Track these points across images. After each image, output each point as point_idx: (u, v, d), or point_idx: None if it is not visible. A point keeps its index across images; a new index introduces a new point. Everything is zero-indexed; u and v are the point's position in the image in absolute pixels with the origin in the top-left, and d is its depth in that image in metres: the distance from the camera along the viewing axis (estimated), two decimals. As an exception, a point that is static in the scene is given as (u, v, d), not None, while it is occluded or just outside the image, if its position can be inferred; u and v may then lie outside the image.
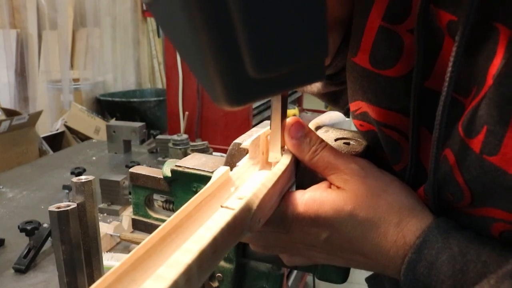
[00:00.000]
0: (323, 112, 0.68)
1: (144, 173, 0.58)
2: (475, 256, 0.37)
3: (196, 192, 0.48)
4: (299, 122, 0.46)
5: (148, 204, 0.59)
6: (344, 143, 0.53)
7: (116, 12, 3.93)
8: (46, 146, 2.72)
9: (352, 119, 0.55)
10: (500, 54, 0.35)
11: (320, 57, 0.30)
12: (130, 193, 0.82)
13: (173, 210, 0.58)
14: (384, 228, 0.42)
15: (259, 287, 0.58)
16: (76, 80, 3.59)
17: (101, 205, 1.31)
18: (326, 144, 0.46)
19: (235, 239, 0.36)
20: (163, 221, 0.34)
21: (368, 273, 0.59)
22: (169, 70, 2.45)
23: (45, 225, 1.07)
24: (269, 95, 0.32)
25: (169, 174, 0.55)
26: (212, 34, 0.26)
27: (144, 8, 4.17)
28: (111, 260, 1.02)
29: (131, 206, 0.60)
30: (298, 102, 3.20)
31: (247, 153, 0.49)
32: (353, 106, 0.52)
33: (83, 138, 3.04)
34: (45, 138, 2.79)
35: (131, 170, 0.59)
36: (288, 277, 1.86)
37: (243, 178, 0.45)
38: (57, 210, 0.58)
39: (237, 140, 0.51)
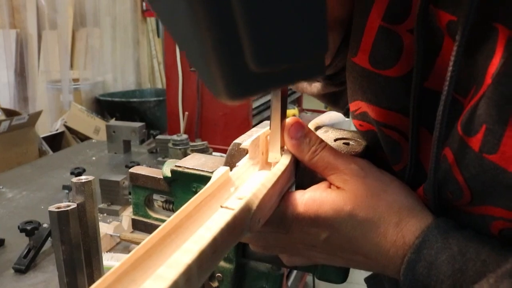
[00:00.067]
0: (322, 112, 0.69)
1: (144, 173, 0.58)
2: (474, 255, 0.38)
3: (196, 192, 0.48)
4: (298, 122, 0.46)
5: (148, 204, 0.59)
6: (343, 143, 0.53)
7: (116, 12, 3.93)
8: (45, 146, 2.72)
9: (351, 119, 0.55)
10: (499, 53, 0.35)
11: (320, 52, 0.30)
12: (130, 193, 0.82)
13: (173, 210, 0.58)
14: (383, 228, 0.42)
15: (258, 287, 0.58)
16: (75, 80, 3.59)
17: (101, 205, 1.31)
18: (326, 144, 0.46)
19: (235, 239, 0.36)
20: (163, 221, 0.34)
21: (367, 273, 0.60)
22: (168, 70, 2.45)
23: (45, 225, 1.07)
24: (269, 89, 0.32)
25: (169, 174, 0.55)
26: (214, 28, 0.26)
27: (144, 8, 4.17)
28: (111, 260, 1.02)
29: (131, 206, 0.60)
30: (298, 102, 3.20)
31: (246, 153, 0.49)
32: (352, 106, 0.52)
33: (82, 138, 3.04)
34: (44, 138, 2.79)
35: (131, 170, 0.59)
36: (288, 277, 1.86)
37: (242, 178, 0.45)
38: (57, 210, 0.58)
39: (236, 140, 0.52)
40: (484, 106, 0.35)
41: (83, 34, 3.70)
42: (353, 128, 0.56)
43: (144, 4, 4.16)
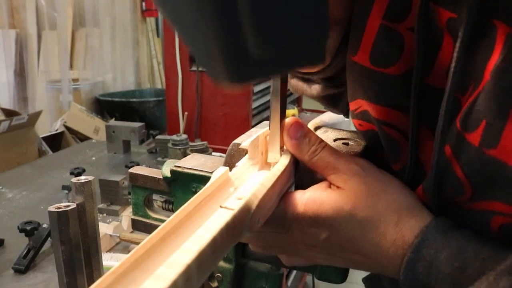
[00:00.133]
0: (322, 112, 0.68)
1: (143, 174, 0.58)
2: (473, 254, 0.38)
3: (195, 192, 0.48)
4: (298, 122, 0.46)
5: (148, 204, 0.60)
6: (343, 143, 0.53)
7: (115, 12, 3.93)
8: (45, 146, 2.72)
9: (351, 119, 0.55)
10: (498, 50, 0.35)
11: (321, 38, 0.30)
12: (129, 193, 0.82)
13: (173, 211, 0.58)
14: (383, 227, 0.42)
15: (258, 287, 0.58)
16: (75, 80, 3.59)
17: (101, 205, 1.31)
18: (326, 144, 0.46)
19: (235, 239, 0.36)
20: (163, 221, 0.34)
21: (367, 273, 0.60)
22: (168, 70, 2.45)
23: (45, 225, 1.07)
24: (269, 74, 0.32)
25: (169, 175, 0.55)
26: (216, 10, 0.26)
27: (144, 8, 4.17)
28: (110, 260, 1.03)
29: (131, 206, 0.60)
30: (298, 102, 3.20)
31: (246, 153, 0.49)
32: (352, 105, 0.52)
33: (82, 138, 3.04)
34: (44, 138, 2.79)
35: (130, 170, 0.59)
36: (287, 277, 1.86)
37: (242, 178, 0.45)
38: (56, 210, 0.58)
39: (236, 141, 0.52)
40: (483, 102, 0.36)
41: (83, 34, 3.69)
42: (353, 128, 0.56)
43: (143, 4, 4.16)
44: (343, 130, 0.58)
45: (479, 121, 0.36)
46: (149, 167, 0.76)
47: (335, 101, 0.61)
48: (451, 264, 0.38)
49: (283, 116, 0.45)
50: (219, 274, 0.56)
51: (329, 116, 0.67)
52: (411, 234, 0.41)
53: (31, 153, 2.50)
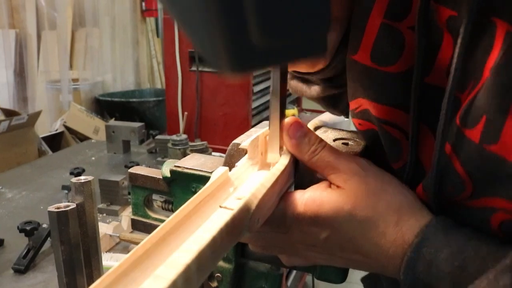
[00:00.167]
0: (322, 112, 0.68)
1: (143, 173, 0.58)
2: (473, 253, 0.38)
3: (195, 192, 0.48)
4: (298, 122, 0.46)
5: (147, 204, 0.60)
6: (342, 143, 0.53)
7: (115, 12, 3.93)
8: (45, 146, 2.72)
9: (351, 118, 0.55)
10: (498, 48, 0.35)
11: (323, 30, 0.30)
12: (129, 193, 0.82)
13: (172, 211, 0.58)
14: (383, 227, 0.42)
15: (258, 287, 0.58)
16: (75, 80, 3.59)
17: (100, 205, 1.31)
18: (326, 144, 0.46)
19: (234, 239, 0.36)
20: (162, 221, 0.34)
21: (366, 273, 0.60)
22: (168, 70, 2.45)
23: (45, 225, 1.07)
24: (271, 64, 0.32)
25: (168, 175, 0.55)
26: None
27: (143, 8, 4.17)
28: (110, 260, 1.03)
29: (130, 206, 0.60)
30: (297, 102, 3.20)
31: (246, 153, 0.49)
32: (353, 104, 0.52)
33: (82, 138, 3.04)
34: (44, 138, 2.79)
35: (130, 170, 0.59)
36: (287, 277, 1.86)
37: (242, 178, 0.45)
38: (56, 210, 0.58)
39: (236, 141, 0.52)
40: (483, 98, 0.36)
41: (83, 34, 3.69)
42: (353, 128, 0.56)
43: (143, 4, 4.16)
44: (343, 130, 0.58)
45: (479, 117, 0.36)
46: (149, 167, 0.76)
47: (335, 102, 0.61)
48: (451, 263, 0.38)
49: (282, 115, 0.45)
50: (218, 274, 0.56)
51: (329, 116, 0.67)
52: (411, 234, 0.41)
53: (30, 153, 2.50)
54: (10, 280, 0.98)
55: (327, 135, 0.56)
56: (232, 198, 0.38)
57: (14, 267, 1.01)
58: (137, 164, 1.60)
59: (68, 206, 0.58)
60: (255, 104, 2.33)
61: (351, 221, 0.43)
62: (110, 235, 1.14)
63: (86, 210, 0.61)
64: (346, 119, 0.66)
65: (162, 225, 0.33)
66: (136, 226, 0.60)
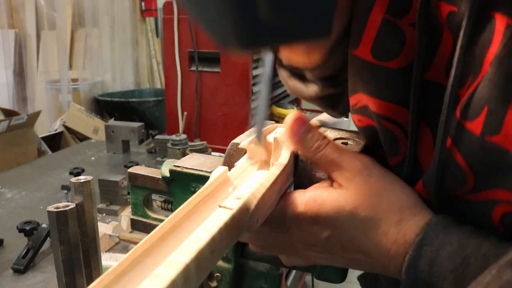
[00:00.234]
0: (321, 112, 0.68)
1: (142, 173, 0.58)
2: (475, 250, 0.38)
3: (194, 192, 0.48)
4: (301, 117, 0.46)
5: (147, 204, 0.60)
6: (342, 143, 0.53)
7: (114, 12, 3.92)
8: (45, 147, 2.71)
9: (351, 114, 0.55)
10: (497, 41, 0.35)
11: (329, 9, 0.31)
12: (128, 193, 0.82)
13: (172, 210, 0.58)
14: (385, 227, 0.42)
15: (257, 287, 0.58)
16: (74, 80, 3.59)
17: (100, 205, 1.31)
18: (329, 141, 0.46)
19: (233, 239, 0.36)
20: (162, 221, 0.34)
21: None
22: (167, 70, 2.45)
23: (44, 225, 1.07)
24: (277, 42, 0.32)
25: (168, 174, 0.55)
26: None
27: (143, 8, 4.17)
28: (109, 260, 1.02)
29: (130, 206, 0.60)
30: (297, 102, 3.20)
31: (245, 153, 0.49)
32: (353, 100, 0.52)
33: (81, 138, 3.03)
34: (43, 138, 2.79)
35: (129, 170, 0.59)
36: (286, 277, 1.86)
37: (241, 178, 0.45)
38: (55, 210, 0.57)
39: (235, 140, 0.52)
40: (485, 89, 0.36)
41: (82, 34, 3.69)
42: (353, 128, 0.56)
43: (143, 4, 4.16)
44: (342, 129, 0.58)
45: (481, 109, 0.36)
46: (149, 167, 0.76)
47: (334, 102, 0.61)
48: (453, 261, 0.38)
49: (269, 103, 0.45)
50: (218, 274, 0.56)
51: (329, 116, 0.67)
52: (412, 233, 0.41)
53: (30, 153, 2.50)
54: (9, 280, 0.98)
55: (327, 135, 0.56)
56: (231, 197, 0.38)
57: (13, 267, 1.01)
58: (137, 164, 1.60)
59: (67, 206, 0.58)
60: (254, 104, 2.33)
61: (353, 220, 0.42)
62: (110, 235, 1.14)
63: (86, 210, 0.61)
64: (345, 119, 0.66)
65: (161, 224, 0.33)
66: (136, 226, 0.60)
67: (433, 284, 0.39)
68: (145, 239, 0.31)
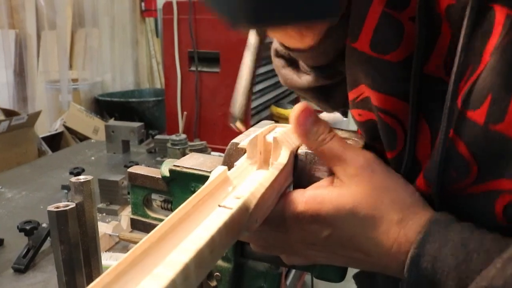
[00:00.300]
0: (321, 112, 0.68)
1: (142, 173, 0.58)
2: (477, 246, 0.38)
3: (194, 191, 0.48)
4: (308, 108, 0.45)
5: (147, 204, 0.60)
6: (341, 142, 0.53)
7: (114, 12, 3.92)
8: (45, 146, 2.72)
9: (350, 111, 0.55)
10: (497, 32, 0.36)
11: None
12: (128, 193, 0.82)
13: (172, 210, 0.58)
14: (385, 226, 0.42)
15: (257, 287, 0.58)
16: (74, 80, 3.59)
17: (100, 205, 1.31)
18: (335, 135, 0.45)
19: (233, 239, 0.36)
20: (162, 220, 0.34)
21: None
22: (167, 70, 2.45)
23: (44, 225, 1.07)
24: (285, 20, 0.32)
25: (167, 174, 0.55)
26: None
27: (143, 8, 4.17)
28: (109, 260, 1.03)
29: (130, 206, 0.61)
30: (296, 102, 3.20)
31: (245, 152, 0.49)
32: (355, 93, 0.51)
33: (81, 138, 3.03)
34: (44, 138, 2.79)
35: (129, 170, 0.59)
36: (286, 276, 1.86)
37: (240, 177, 0.45)
38: (55, 210, 0.58)
39: (235, 140, 0.52)
40: (488, 78, 0.36)
41: (82, 35, 3.69)
42: (352, 128, 0.56)
43: (143, 4, 4.16)
44: (342, 129, 0.58)
45: (484, 98, 0.36)
46: (148, 166, 0.76)
47: (326, 94, 0.60)
48: (455, 258, 0.38)
49: (253, 79, 0.44)
50: (218, 273, 0.57)
51: (328, 116, 0.67)
52: (414, 231, 0.41)
53: (30, 153, 2.50)
54: (10, 280, 0.98)
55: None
56: (231, 197, 0.38)
57: (14, 267, 1.01)
58: (137, 164, 1.60)
59: (67, 205, 0.58)
60: (254, 104, 2.33)
61: (353, 219, 0.42)
62: (110, 235, 1.14)
63: (86, 209, 0.61)
64: (345, 118, 0.66)
65: (161, 224, 0.33)
66: (136, 225, 0.60)
67: (436, 281, 0.39)
68: (145, 239, 0.31)
